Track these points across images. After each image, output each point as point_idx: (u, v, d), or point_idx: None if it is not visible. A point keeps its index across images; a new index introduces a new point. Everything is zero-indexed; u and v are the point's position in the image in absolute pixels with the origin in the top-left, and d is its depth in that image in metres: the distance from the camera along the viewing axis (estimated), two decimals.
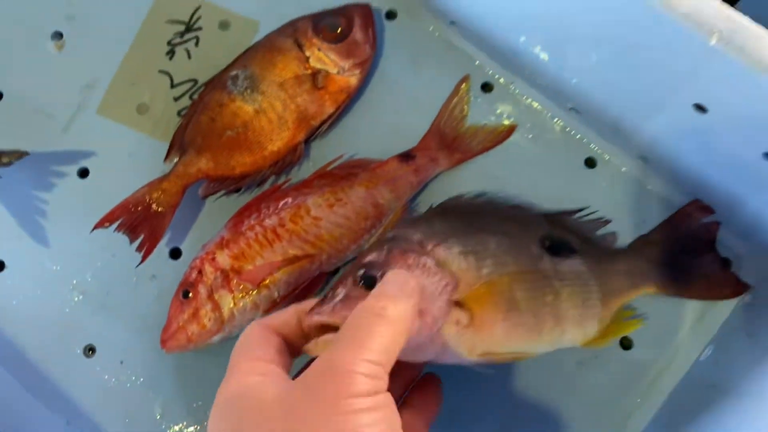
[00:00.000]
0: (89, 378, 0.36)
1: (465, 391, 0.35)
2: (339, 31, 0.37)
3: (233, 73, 0.37)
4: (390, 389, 0.25)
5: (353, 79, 0.37)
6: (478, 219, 0.32)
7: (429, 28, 0.39)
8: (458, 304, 0.29)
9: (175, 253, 0.37)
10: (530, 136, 0.38)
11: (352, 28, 0.37)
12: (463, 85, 0.38)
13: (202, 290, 0.34)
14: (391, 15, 0.40)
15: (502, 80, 0.39)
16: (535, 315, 0.31)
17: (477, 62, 0.39)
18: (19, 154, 0.37)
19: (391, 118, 0.38)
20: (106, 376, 0.36)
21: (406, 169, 0.36)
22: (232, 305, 0.34)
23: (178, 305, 0.34)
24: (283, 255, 0.34)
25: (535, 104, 0.38)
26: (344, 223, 0.35)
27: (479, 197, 0.33)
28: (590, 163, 0.37)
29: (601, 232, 0.34)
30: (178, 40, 0.40)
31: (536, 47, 0.35)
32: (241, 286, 0.34)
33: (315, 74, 0.37)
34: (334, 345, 0.24)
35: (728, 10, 0.26)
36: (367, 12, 0.38)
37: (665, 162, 0.35)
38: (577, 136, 0.37)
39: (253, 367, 0.25)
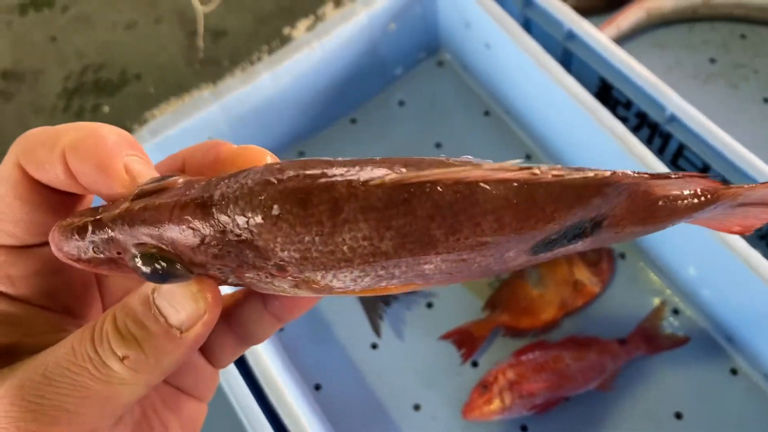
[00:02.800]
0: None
1: None
2: (594, 260, 0.65)
3: (528, 271, 0.66)
4: None
5: (597, 288, 0.65)
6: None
7: (638, 264, 0.67)
8: None
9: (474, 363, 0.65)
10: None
11: (601, 260, 0.65)
12: (661, 307, 0.64)
13: (495, 389, 0.61)
14: (623, 256, 0.68)
15: (688, 312, 0.64)
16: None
17: (671, 295, 0.65)
18: None
19: (615, 313, 0.65)
20: None
21: (621, 348, 0.62)
22: (509, 401, 0.60)
23: (479, 393, 0.61)
24: (544, 381, 0.61)
25: (704, 328, 0.63)
26: (580, 371, 0.61)
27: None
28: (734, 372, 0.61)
29: None
30: None
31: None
32: (519, 393, 0.60)
33: (576, 282, 0.65)
34: None
35: None
36: (611, 253, 0.66)
37: None
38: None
39: None
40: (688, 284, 0.63)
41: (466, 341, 0.64)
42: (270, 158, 0.23)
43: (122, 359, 0.21)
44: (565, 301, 0.64)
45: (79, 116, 0.83)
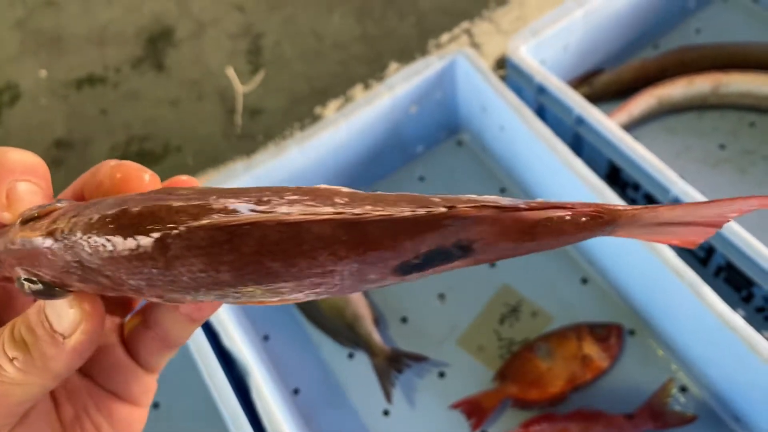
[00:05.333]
0: None
1: None
2: (603, 336, 0.67)
3: (538, 344, 0.68)
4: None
5: (605, 364, 0.66)
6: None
7: (647, 340, 0.68)
8: None
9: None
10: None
11: (611, 336, 0.67)
12: (669, 384, 0.65)
13: None
14: (632, 333, 0.69)
15: (696, 390, 0.65)
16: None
17: (680, 373, 0.66)
18: (417, 357, 0.69)
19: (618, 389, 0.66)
20: None
21: (628, 423, 0.63)
22: None
23: None
24: None
25: (712, 407, 0.64)
26: None
27: None
28: None
29: None
30: (506, 314, 0.72)
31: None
32: None
33: (584, 356, 0.67)
34: None
35: None
36: (620, 329, 0.68)
37: None
38: None
39: None
40: (697, 362, 0.64)
41: (476, 411, 0.65)
42: (148, 176, 0.24)
43: (11, 360, 0.23)
44: (574, 374, 0.66)
45: None
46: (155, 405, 0.71)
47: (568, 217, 0.24)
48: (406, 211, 0.22)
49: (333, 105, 0.92)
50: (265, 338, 0.74)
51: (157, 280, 0.22)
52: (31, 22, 1.09)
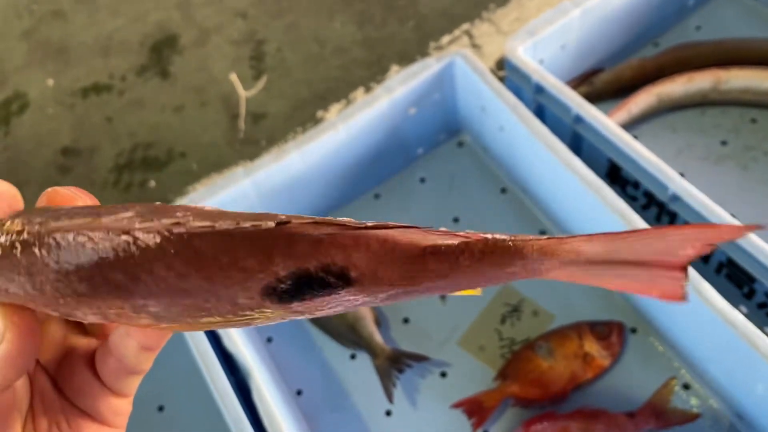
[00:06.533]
0: None
1: None
2: (604, 334, 0.67)
3: (539, 343, 0.68)
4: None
5: (606, 362, 0.66)
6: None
7: (649, 338, 0.68)
8: None
9: None
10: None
11: (612, 334, 0.67)
12: (671, 382, 0.65)
13: None
14: (634, 331, 0.69)
15: (699, 388, 0.65)
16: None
17: (682, 371, 0.66)
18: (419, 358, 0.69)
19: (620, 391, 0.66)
20: None
21: (630, 422, 0.63)
22: None
23: None
24: None
25: (715, 404, 0.64)
26: None
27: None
28: None
29: None
30: (507, 313, 0.72)
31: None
32: None
33: (585, 355, 0.67)
34: None
35: None
36: (621, 327, 0.68)
37: None
38: None
39: None
40: (699, 360, 0.64)
41: (477, 410, 0.65)
42: (82, 202, 0.26)
43: None
44: (575, 373, 0.66)
45: (127, 190, 0.90)
46: (160, 408, 0.72)
47: (460, 247, 0.22)
48: (228, 225, 0.21)
49: (335, 109, 0.93)
50: (269, 340, 0.75)
51: (28, 293, 0.23)
52: (38, 32, 1.10)
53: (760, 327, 0.55)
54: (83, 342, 0.30)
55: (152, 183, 0.90)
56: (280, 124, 0.93)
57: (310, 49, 0.99)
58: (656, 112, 0.81)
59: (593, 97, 0.82)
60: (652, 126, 0.81)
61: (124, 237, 0.21)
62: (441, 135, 0.83)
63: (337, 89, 0.94)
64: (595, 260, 0.22)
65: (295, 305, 0.23)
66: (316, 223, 0.22)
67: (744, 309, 0.65)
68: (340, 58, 0.97)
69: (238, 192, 0.70)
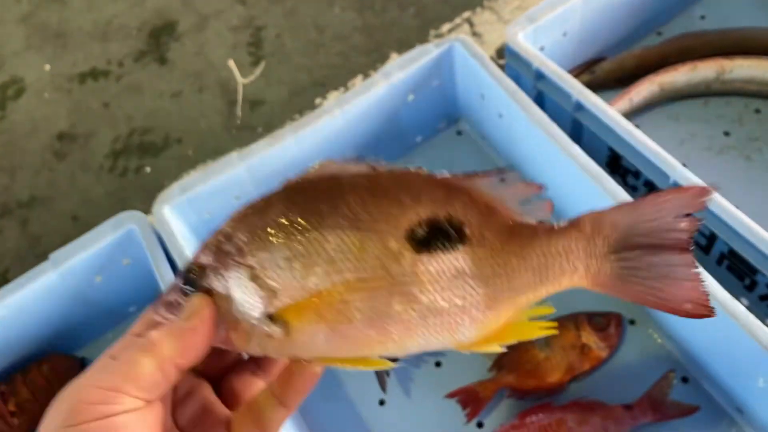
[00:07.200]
0: None
1: None
2: (602, 325, 0.66)
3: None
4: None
5: (604, 353, 0.65)
6: (330, 203, 0.28)
7: (647, 330, 0.67)
8: (273, 317, 0.28)
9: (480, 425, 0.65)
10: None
11: (610, 326, 0.66)
12: (669, 374, 0.64)
13: None
14: (632, 322, 0.68)
15: (698, 381, 0.64)
16: (373, 326, 0.28)
17: (681, 363, 0.65)
18: None
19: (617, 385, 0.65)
20: None
21: (627, 414, 0.61)
22: None
23: None
24: None
25: (714, 398, 0.62)
26: None
27: (358, 161, 0.30)
28: None
29: (532, 199, 0.30)
30: None
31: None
32: None
33: (583, 346, 0.65)
34: (105, 366, 0.27)
35: None
36: (619, 319, 0.66)
37: None
38: None
39: None
40: (698, 352, 0.63)
41: (472, 401, 0.64)
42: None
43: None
44: (572, 364, 0.65)
45: (123, 176, 0.89)
46: None
47: (536, 225, 0.32)
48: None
49: (333, 96, 0.91)
50: None
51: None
52: (36, 17, 1.09)
53: (762, 319, 0.54)
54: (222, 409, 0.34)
55: (148, 169, 0.89)
56: (278, 111, 0.92)
57: (309, 35, 0.97)
58: (658, 102, 0.79)
59: (595, 86, 0.80)
60: (654, 116, 0.79)
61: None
62: (440, 123, 0.82)
63: (336, 76, 0.93)
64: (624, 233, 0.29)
65: (424, 258, 0.28)
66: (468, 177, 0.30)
67: (745, 301, 0.64)
68: (339, 45, 0.95)
69: (232, 177, 0.69)
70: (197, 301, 0.29)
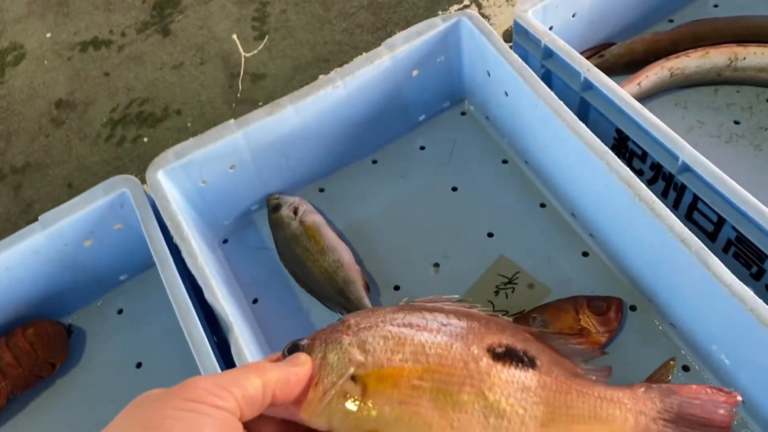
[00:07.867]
0: None
1: None
2: (602, 309, 0.64)
3: (534, 315, 0.65)
4: None
5: (603, 338, 0.63)
6: (433, 314, 0.36)
7: (649, 316, 0.65)
8: (355, 378, 0.33)
9: None
10: None
11: (610, 310, 0.64)
12: (670, 362, 0.62)
13: None
14: (633, 308, 0.66)
15: (699, 370, 0.62)
16: (438, 407, 0.31)
17: (682, 352, 0.63)
18: None
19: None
20: None
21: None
22: None
23: None
24: None
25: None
26: None
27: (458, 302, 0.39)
28: None
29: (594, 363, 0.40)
30: (501, 285, 0.70)
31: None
32: None
33: (581, 329, 0.64)
34: (224, 372, 0.34)
35: None
36: (620, 303, 0.65)
37: None
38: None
39: None
40: (701, 340, 0.61)
41: None
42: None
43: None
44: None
45: (119, 145, 0.87)
46: (138, 365, 0.70)
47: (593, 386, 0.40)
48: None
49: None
50: (255, 301, 0.72)
51: None
52: None
53: None
54: None
55: (145, 139, 0.88)
56: (280, 86, 0.90)
57: (314, 11, 0.96)
58: (668, 88, 0.78)
59: (603, 71, 0.78)
60: (663, 102, 0.78)
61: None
62: (444, 102, 0.81)
63: (340, 53, 0.91)
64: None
65: (498, 366, 0.34)
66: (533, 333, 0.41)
67: (751, 290, 0.62)
68: (344, 22, 0.94)
69: (229, 144, 0.67)
70: (303, 355, 0.37)
